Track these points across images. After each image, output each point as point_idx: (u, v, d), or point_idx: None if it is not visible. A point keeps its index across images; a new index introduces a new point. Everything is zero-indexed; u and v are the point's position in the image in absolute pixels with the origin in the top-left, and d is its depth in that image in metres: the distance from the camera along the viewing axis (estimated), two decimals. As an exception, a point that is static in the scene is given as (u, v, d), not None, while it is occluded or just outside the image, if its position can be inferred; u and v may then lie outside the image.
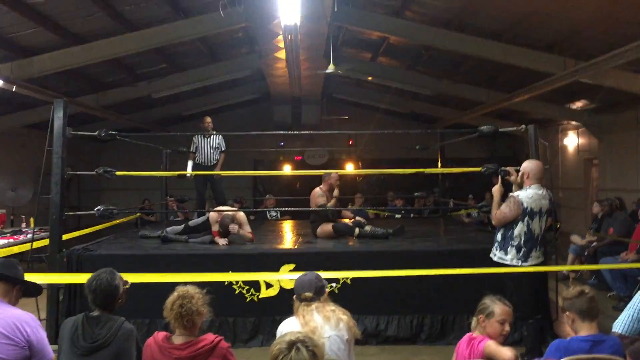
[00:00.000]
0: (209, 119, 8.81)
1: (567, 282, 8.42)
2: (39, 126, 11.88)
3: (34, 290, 3.49)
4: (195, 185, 8.70)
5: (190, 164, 8.46)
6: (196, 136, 8.59)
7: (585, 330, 3.06)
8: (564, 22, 7.46)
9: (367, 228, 7.15)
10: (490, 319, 3.15)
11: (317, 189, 7.30)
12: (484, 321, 3.17)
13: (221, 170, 8.49)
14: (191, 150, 8.54)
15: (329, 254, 6.09)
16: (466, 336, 3.24)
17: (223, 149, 8.67)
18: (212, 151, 8.56)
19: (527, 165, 4.88)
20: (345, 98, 16.44)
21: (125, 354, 2.98)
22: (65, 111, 5.84)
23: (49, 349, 3.10)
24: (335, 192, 7.36)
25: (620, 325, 3.00)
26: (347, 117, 16.42)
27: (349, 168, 16.43)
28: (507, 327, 3.16)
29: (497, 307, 3.17)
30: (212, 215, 6.71)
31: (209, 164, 8.51)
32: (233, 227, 6.49)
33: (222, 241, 6.44)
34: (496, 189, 4.98)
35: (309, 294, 3.21)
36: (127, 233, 8.14)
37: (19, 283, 3.31)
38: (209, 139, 8.56)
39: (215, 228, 6.57)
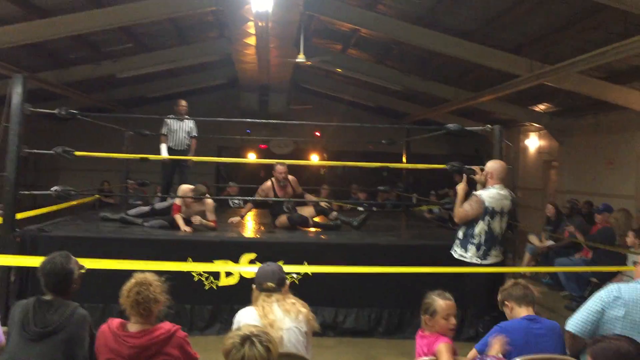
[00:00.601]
0: (184, 103, 8.60)
1: (522, 281, 8.63)
2: (-4, 101, 11.47)
3: None
4: (162, 169, 8.56)
5: (164, 147, 8.24)
6: (168, 120, 8.38)
7: (524, 314, 3.26)
8: (533, 25, 7.58)
9: (333, 214, 7.17)
10: (435, 317, 3.17)
11: (268, 181, 7.20)
12: (430, 320, 3.19)
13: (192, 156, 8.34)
14: (163, 132, 8.34)
15: (290, 244, 6.07)
16: (419, 332, 3.28)
17: (194, 134, 8.53)
18: (184, 135, 8.41)
19: (491, 165, 4.95)
20: (314, 88, 16.39)
21: (77, 341, 2.90)
22: (24, 87, 5.64)
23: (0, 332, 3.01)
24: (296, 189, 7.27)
25: (573, 325, 3.06)
26: (313, 107, 16.36)
27: (314, 159, 16.42)
28: (452, 321, 3.18)
29: (438, 304, 3.18)
30: (183, 189, 6.62)
31: (181, 148, 8.35)
32: (195, 219, 6.40)
33: (185, 227, 6.33)
34: (461, 187, 5.04)
35: (271, 284, 3.18)
36: (85, 215, 7.95)
37: None
38: (182, 123, 8.39)
39: (178, 202, 6.47)
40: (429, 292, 3.32)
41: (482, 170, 5.20)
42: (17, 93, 5.59)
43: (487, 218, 4.75)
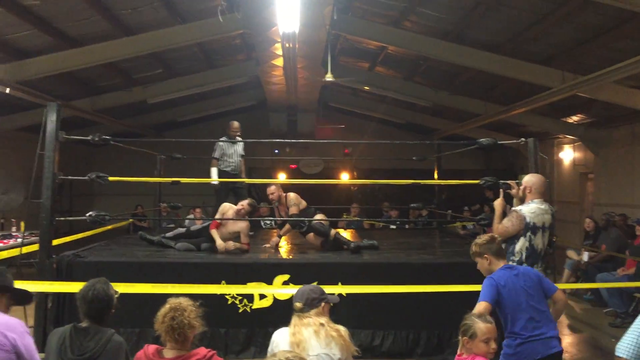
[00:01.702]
0: (236, 124, 8.31)
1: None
2: (32, 129, 11.73)
3: (24, 298, 3.37)
4: (216, 193, 8.37)
5: (214, 170, 8.03)
6: (222, 143, 8.14)
7: (501, 265, 3.70)
8: (564, 36, 7.45)
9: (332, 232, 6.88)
10: (474, 340, 3.05)
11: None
12: (469, 342, 3.08)
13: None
14: (215, 156, 8.13)
15: (324, 265, 5.98)
16: (456, 357, 3.16)
17: (243, 154, 8.38)
18: (238, 159, 8.23)
19: (530, 179, 4.80)
20: (342, 107, 16.40)
21: (114, 368, 2.88)
22: (58, 114, 5.74)
23: (37, 357, 3.00)
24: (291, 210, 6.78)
25: (624, 350, 2.90)
26: (343, 126, 16.35)
27: (344, 177, 16.36)
28: (493, 345, 3.06)
29: (478, 326, 3.06)
30: (222, 207, 6.64)
31: (236, 172, 8.19)
32: (229, 244, 6.38)
33: (221, 242, 6.33)
34: (498, 203, 4.91)
35: (298, 304, 3.13)
36: (119, 239, 8.01)
37: (9, 291, 3.19)
38: (236, 146, 8.19)
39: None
40: (468, 313, 3.21)
41: (518, 184, 5.07)
42: (51, 121, 5.69)
43: (528, 234, 4.60)
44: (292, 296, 3.24)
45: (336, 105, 16.23)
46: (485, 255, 3.73)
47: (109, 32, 8.32)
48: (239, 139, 8.24)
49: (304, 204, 6.88)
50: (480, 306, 3.47)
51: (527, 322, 3.50)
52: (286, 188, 7.20)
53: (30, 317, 5.49)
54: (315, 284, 5.39)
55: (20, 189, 10.80)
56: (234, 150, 8.17)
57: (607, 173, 11.81)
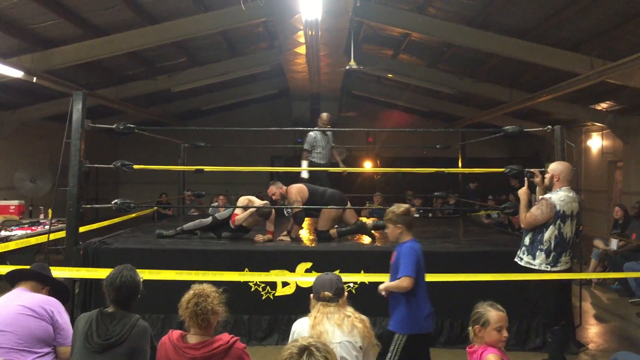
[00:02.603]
0: (325, 116, 8.14)
1: (589, 287, 8.26)
2: (58, 118, 11.95)
3: (62, 292, 3.59)
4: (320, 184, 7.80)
5: (305, 163, 7.85)
6: (314, 134, 7.89)
7: (410, 237, 3.83)
8: (592, 21, 7.29)
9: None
10: (486, 328, 3.02)
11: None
12: (481, 331, 3.05)
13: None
14: (306, 148, 7.92)
15: (347, 253, 5.98)
16: (467, 349, 3.13)
17: (333, 145, 8.21)
18: (330, 150, 8.07)
19: (557, 167, 4.72)
20: (364, 95, 16.31)
21: (139, 352, 2.92)
22: (84, 103, 5.80)
23: (71, 331, 3.16)
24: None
25: None
26: (365, 114, 16.28)
27: (368, 166, 16.31)
28: (505, 333, 3.03)
29: (491, 314, 3.03)
30: (242, 200, 6.61)
31: (329, 163, 8.03)
32: (258, 237, 6.38)
33: (260, 237, 6.34)
34: (523, 192, 4.83)
35: (328, 294, 3.09)
36: (143, 227, 8.11)
37: (49, 283, 3.51)
38: (328, 137, 7.99)
39: (238, 211, 6.43)
40: (479, 303, 3.18)
41: (541, 173, 4.98)
42: (77, 110, 5.75)
43: (558, 222, 4.52)
44: (314, 284, 3.20)
45: (359, 93, 16.16)
46: (399, 225, 3.83)
47: (133, 21, 8.38)
48: (329, 130, 8.05)
49: (305, 194, 6.60)
50: (409, 280, 3.65)
51: (426, 297, 3.84)
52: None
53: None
54: (337, 271, 5.42)
55: (48, 176, 10.98)
56: (326, 142, 7.94)
57: (636, 161, 11.57)
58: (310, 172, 7.74)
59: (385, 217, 3.94)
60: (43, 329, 3.17)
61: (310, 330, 2.94)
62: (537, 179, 4.93)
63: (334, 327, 2.96)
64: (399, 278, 3.69)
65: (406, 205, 3.93)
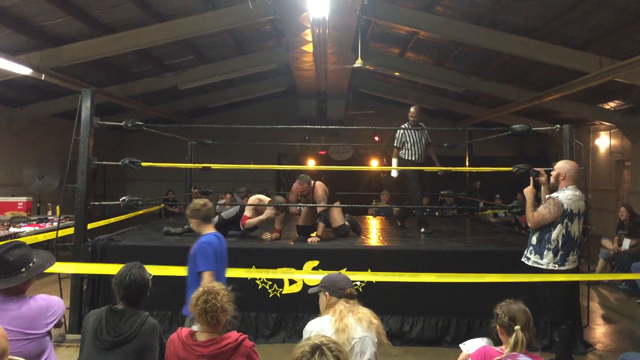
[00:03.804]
0: (413, 110, 7.41)
1: (596, 287, 8.23)
2: (66, 115, 12.00)
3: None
4: (410, 183, 7.44)
5: (394, 161, 7.47)
6: (403, 130, 7.38)
7: (210, 229, 4.14)
8: (601, 20, 7.25)
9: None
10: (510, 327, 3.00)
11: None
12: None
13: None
14: (395, 145, 7.47)
15: (354, 251, 5.99)
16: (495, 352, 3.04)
17: (429, 142, 7.58)
18: (423, 147, 7.38)
19: (563, 166, 4.71)
20: (371, 93, 16.29)
21: (148, 349, 2.93)
22: (92, 101, 5.83)
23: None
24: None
25: None
26: (372, 112, 16.26)
27: (374, 164, 16.29)
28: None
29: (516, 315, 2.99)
30: (252, 199, 6.58)
31: (421, 160, 7.38)
32: (265, 235, 6.40)
33: (267, 235, 6.37)
34: (528, 190, 4.82)
35: (352, 290, 3.15)
36: (151, 224, 8.14)
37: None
38: (419, 133, 7.35)
39: (248, 213, 6.39)
40: (501, 303, 3.14)
41: (547, 172, 4.97)
42: (86, 107, 5.79)
43: (565, 221, 4.52)
44: (331, 282, 3.19)
45: (366, 91, 16.13)
46: (195, 219, 4.12)
47: (141, 19, 8.40)
48: (422, 125, 7.50)
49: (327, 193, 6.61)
50: (209, 274, 3.83)
51: None
52: (317, 174, 7.04)
53: (66, 298, 5.62)
54: (344, 270, 5.44)
55: (56, 173, 11.03)
56: (418, 138, 7.33)
57: (644, 161, 11.52)
58: (399, 170, 7.38)
59: (186, 214, 4.31)
60: (35, 349, 2.93)
61: (336, 324, 2.95)
62: (543, 178, 4.92)
63: (356, 323, 3.00)
64: (199, 273, 3.88)
65: (203, 201, 4.24)
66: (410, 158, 7.33)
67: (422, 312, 5.68)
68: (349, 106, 15.21)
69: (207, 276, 3.83)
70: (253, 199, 6.56)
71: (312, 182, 6.50)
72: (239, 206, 6.75)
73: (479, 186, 12.39)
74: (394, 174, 7.58)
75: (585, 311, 5.92)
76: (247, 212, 6.41)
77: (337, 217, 6.66)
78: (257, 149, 14.32)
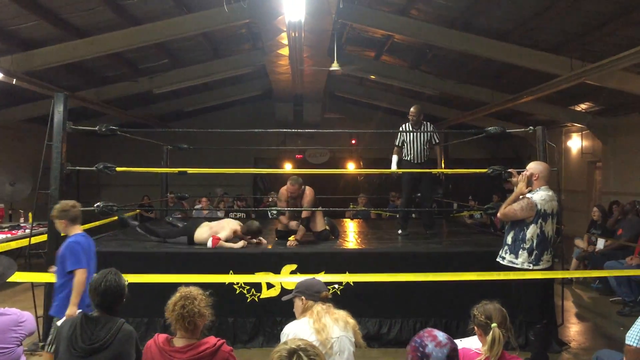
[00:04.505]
0: (413, 109, 7.21)
1: (570, 287, 8.36)
2: (38, 120, 11.78)
3: None
4: (402, 184, 7.52)
5: (394, 159, 7.35)
6: (402, 128, 7.29)
7: (78, 230, 4.27)
8: (572, 23, 7.38)
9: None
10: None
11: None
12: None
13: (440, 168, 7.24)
14: (397, 144, 7.35)
15: (331, 254, 6.00)
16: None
17: (436, 142, 7.28)
18: (422, 146, 7.19)
19: (536, 167, 4.79)
20: (348, 96, 16.35)
21: (124, 357, 2.90)
22: (65, 105, 5.75)
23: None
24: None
25: (635, 338, 2.91)
26: (348, 116, 16.32)
27: (351, 167, 16.34)
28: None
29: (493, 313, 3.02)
30: (229, 227, 6.29)
31: (419, 161, 7.20)
32: (244, 243, 6.22)
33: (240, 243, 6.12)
34: (521, 182, 4.77)
35: (328, 294, 3.23)
36: (126, 230, 8.04)
37: None
38: (418, 132, 7.19)
39: (222, 235, 6.09)
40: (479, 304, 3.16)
41: (518, 173, 5.04)
42: (58, 111, 5.70)
43: (539, 221, 4.59)
44: (307, 286, 3.23)
45: (342, 94, 16.18)
46: (62, 220, 4.23)
47: (115, 22, 8.30)
48: (426, 124, 7.27)
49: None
50: (82, 272, 3.98)
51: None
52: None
53: (40, 307, 5.53)
54: (322, 273, 5.45)
55: (28, 179, 10.84)
56: (415, 137, 7.19)
57: (615, 161, 11.74)
58: (398, 168, 7.31)
59: (51, 214, 4.39)
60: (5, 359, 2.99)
61: (315, 324, 3.00)
62: (514, 179, 4.99)
63: (333, 323, 3.06)
64: (70, 272, 4.01)
65: (70, 202, 4.35)
66: (406, 158, 7.27)
67: (399, 314, 5.72)
68: (325, 109, 15.25)
69: (79, 274, 3.97)
70: (229, 229, 6.26)
71: (304, 186, 6.45)
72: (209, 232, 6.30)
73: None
74: (393, 174, 7.49)
75: (560, 310, 6.01)
76: (221, 235, 6.13)
77: (320, 221, 6.65)
78: (234, 153, 14.26)
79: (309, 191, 6.45)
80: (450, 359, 2.31)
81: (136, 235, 6.84)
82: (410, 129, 7.19)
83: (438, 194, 9.90)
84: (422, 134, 7.16)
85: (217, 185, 15.24)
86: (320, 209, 6.72)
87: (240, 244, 6.06)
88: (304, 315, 3.13)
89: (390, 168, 7.41)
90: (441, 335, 2.38)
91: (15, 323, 3.00)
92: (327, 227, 6.81)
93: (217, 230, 6.18)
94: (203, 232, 6.23)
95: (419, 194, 8.81)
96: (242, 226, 6.31)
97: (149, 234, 6.54)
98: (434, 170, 7.15)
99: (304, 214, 6.42)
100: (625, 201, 9.31)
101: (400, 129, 7.29)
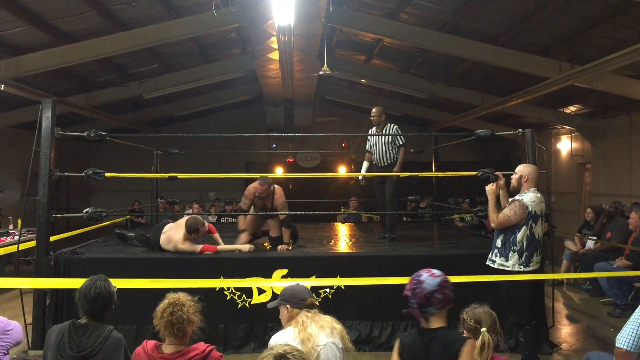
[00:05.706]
0: (374, 111, 7.14)
1: (560, 288, 8.38)
2: (27, 126, 11.72)
3: None
4: (374, 190, 7.42)
5: (365, 165, 7.35)
6: (370, 132, 7.22)
7: None
8: (560, 26, 7.44)
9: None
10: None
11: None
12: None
13: (399, 169, 6.96)
14: (367, 148, 7.28)
15: (322, 258, 5.97)
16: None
17: (401, 143, 7.04)
18: (385, 148, 7.01)
19: (525, 169, 4.81)
20: (338, 100, 16.37)
21: (113, 364, 2.88)
22: (54, 111, 5.71)
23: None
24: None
25: (624, 341, 2.91)
26: (339, 119, 16.34)
27: (342, 170, 16.35)
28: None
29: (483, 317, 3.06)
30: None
31: (383, 164, 7.05)
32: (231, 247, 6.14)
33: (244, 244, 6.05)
34: (490, 190, 4.87)
35: (312, 300, 3.21)
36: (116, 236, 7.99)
37: None
38: (380, 134, 7.03)
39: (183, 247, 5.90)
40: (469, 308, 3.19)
41: (505, 176, 5.05)
42: (47, 117, 5.66)
43: (530, 223, 4.61)
44: (290, 294, 3.22)
45: (333, 98, 16.21)
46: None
47: (104, 28, 8.27)
48: (390, 125, 7.13)
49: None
50: None
51: None
52: (285, 181, 6.90)
53: (29, 314, 5.48)
54: (313, 277, 5.43)
55: (17, 186, 10.76)
56: (377, 140, 7.05)
57: (604, 163, 11.82)
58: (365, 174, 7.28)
59: None
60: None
61: (300, 334, 2.98)
62: (502, 182, 4.99)
63: (319, 330, 3.03)
64: None
65: None
66: (374, 162, 7.22)
67: (391, 317, 5.69)
68: (316, 113, 15.25)
69: None
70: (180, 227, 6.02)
71: (273, 186, 6.27)
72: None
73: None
74: (361, 178, 7.48)
75: (550, 312, 6.02)
76: (176, 235, 5.92)
77: (278, 227, 6.41)
78: (225, 157, 14.21)
79: (279, 191, 6.26)
80: (441, 287, 2.71)
81: (130, 242, 6.80)
82: (372, 132, 7.12)
83: (430, 197, 9.91)
84: (383, 137, 7.03)
85: (208, 189, 15.21)
86: (287, 212, 6.35)
87: (247, 247, 5.97)
88: (289, 324, 3.12)
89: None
90: (436, 271, 2.79)
91: (1, 331, 2.97)
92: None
93: (171, 235, 5.96)
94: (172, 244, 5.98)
95: (410, 197, 8.83)
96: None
97: (144, 245, 6.45)
98: (391, 174, 6.93)
99: (282, 216, 6.24)
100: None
101: (369, 135, 7.20)
